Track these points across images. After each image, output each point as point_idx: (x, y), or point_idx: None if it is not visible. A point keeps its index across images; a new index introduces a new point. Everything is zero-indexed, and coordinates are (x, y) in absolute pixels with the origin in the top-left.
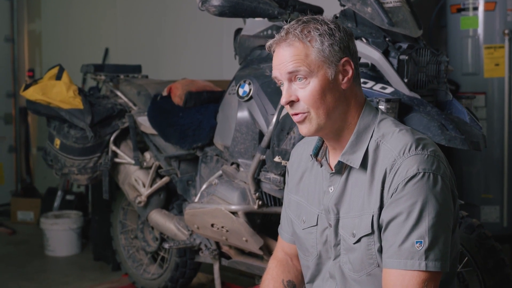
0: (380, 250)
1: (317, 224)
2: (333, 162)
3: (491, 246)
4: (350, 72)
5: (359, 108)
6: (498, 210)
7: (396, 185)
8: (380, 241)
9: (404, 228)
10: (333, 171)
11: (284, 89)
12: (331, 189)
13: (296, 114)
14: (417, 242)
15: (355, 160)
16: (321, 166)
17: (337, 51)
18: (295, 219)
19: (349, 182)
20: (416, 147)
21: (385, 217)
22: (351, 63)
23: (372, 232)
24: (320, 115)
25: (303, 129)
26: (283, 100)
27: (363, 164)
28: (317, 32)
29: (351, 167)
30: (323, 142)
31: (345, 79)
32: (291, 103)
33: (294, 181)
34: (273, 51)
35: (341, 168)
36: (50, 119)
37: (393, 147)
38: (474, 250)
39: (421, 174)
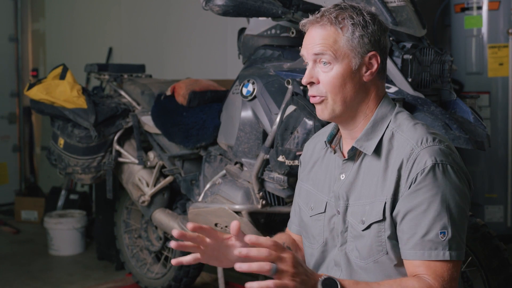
0: (390, 237)
1: (325, 211)
2: (346, 150)
3: (495, 246)
4: (375, 66)
5: (378, 100)
6: (502, 209)
7: (414, 175)
8: (391, 228)
9: (425, 218)
10: (346, 158)
11: (307, 69)
12: (342, 177)
13: (314, 96)
14: (441, 233)
15: (369, 147)
16: (335, 152)
17: (366, 44)
18: (304, 206)
19: (362, 170)
20: (433, 140)
21: (402, 207)
22: (378, 57)
23: (384, 219)
24: (336, 101)
25: (319, 110)
26: (304, 80)
27: (377, 152)
28: (350, 21)
29: (364, 156)
30: (337, 131)
31: (368, 72)
32: (311, 84)
33: (305, 171)
34: (306, 30)
35: (354, 155)
36: (54, 119)
37: (410, 137)
38: (478, 250)
39: (440, 165)
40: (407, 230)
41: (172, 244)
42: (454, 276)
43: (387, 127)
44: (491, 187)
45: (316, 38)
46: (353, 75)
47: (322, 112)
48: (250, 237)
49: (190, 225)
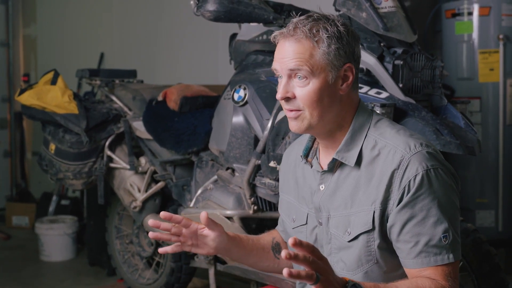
0: (380, 246)
1: (306, 223)
2: (324, 160)
3: (486, 251)
4: (351, 78)
5: (353, 110)
6: (493, 214)
7: (407, 182)
8: (381, 237)
9: (426, 225)
10: (325, 170)
11: (281, 83)
12: (322, 187)
13: (291, 111)
14: (443, 237)
15: (350, 158)
16: (311, 166)
17: (342, 56)
18: (286, 218)
19: (341, 180)
20: (421, 145)
21: (400, 217)
22: (353, 69)
23: (373, 229)
24: (314, 116)
25: (294, 125)
26: (278, 96)
27: (358, 162)
28: (325, 34)
29: (342, 166)
30: (313, 142)
31: (344, 84)
32: (287, 99)
33: (285, 181)
34: (277, 42)
35: (333, 167)
36: (45, 124)
37: (396, 144)
38: (469, 255)
39: (432, 170)
40: (409, 239)
41: (151, 234)
42: (457, 274)
43: (366, 135)
44: (482, 192)
45: (291, 52)
46: (330, 88)
47: (298, 127)
48: (293, 240)
49: (161, 214)
